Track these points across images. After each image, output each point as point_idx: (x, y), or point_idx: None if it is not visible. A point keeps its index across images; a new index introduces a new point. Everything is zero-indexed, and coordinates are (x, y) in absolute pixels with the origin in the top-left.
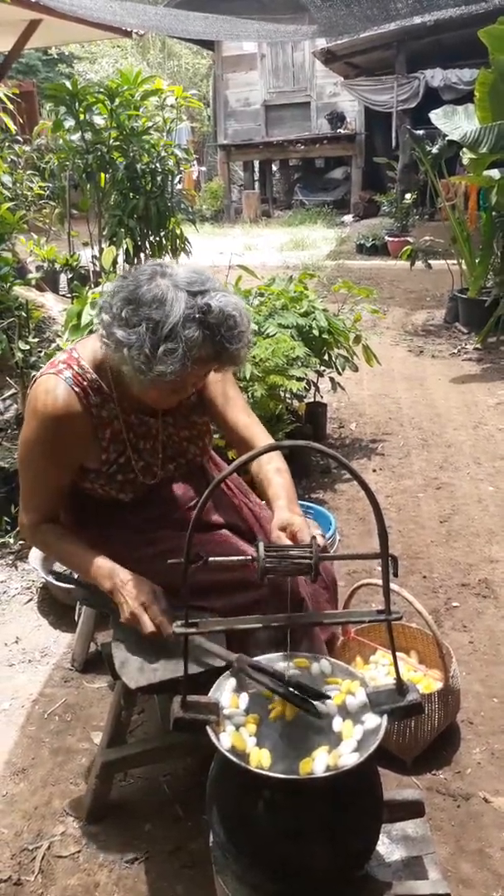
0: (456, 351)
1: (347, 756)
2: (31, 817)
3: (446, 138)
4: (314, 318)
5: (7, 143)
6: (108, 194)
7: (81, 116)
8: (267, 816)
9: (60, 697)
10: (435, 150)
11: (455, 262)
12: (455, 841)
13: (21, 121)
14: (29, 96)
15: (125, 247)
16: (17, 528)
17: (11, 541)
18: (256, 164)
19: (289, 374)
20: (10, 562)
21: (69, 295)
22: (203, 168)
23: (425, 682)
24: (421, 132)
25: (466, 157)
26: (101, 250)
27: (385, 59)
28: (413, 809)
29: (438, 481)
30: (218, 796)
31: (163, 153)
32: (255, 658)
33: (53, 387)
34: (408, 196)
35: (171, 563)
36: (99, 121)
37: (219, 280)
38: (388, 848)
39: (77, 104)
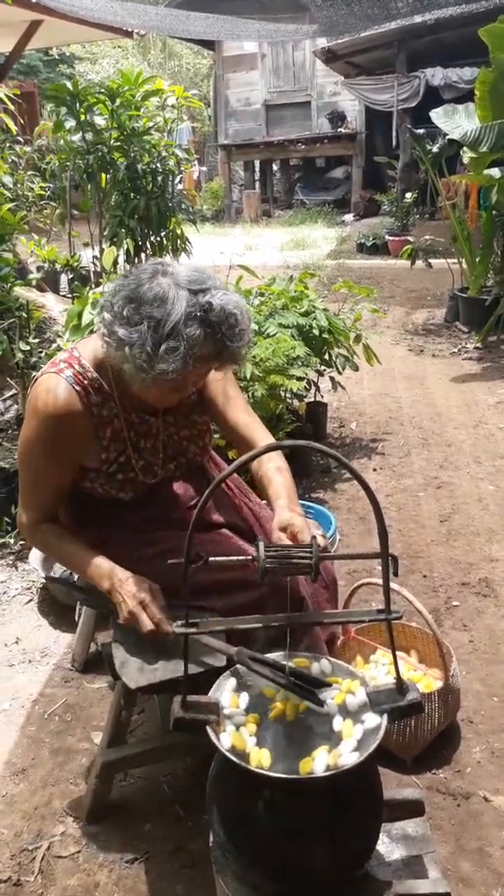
0: (456, 350)
1: (347, 755)
2: (31, 817)
3: (447, 137)
4: (314, 318)
5: (8, 144)
6: (108, 195)
7: (82, 117)
8: (267, 816)
9: (60, 697)
10: (435, 148)
11: (455, 261)
12: (455, 840)
13: (22, 121)
14: (30, 97)
15: (126, 247)
16: (16, 528)
17: (12, 541)
18: (257, 163)
19: (289, 374)
20: (11, 562)
21: (70, 295)
22: (204, 168)
23: (425, 681)
24: (421, 131)
25: (467, 155)
26: (101, 251)
27: (385, 58)
28: (413, 808)
29: (439, 480)
30: (218, 796)
31: (163, 153)
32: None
33: (54, 385)
34: (408, 195)
35: (171, 564)
36: (100, 121)
37: (219, 279)
38: (389, 847)
39: (78, 105)
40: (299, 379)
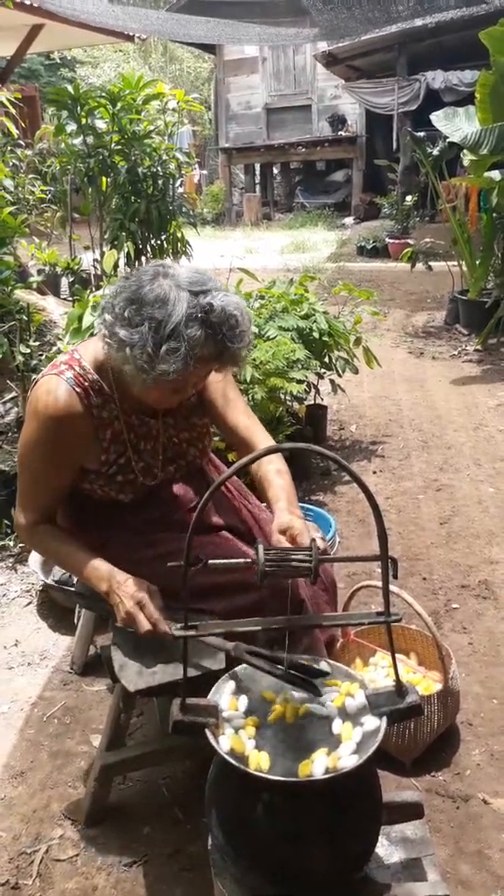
0: (456, 352)
1: (346, 758)
2: (30, 821)
3: (447, 140)
4: (314, 321)
5: (9, 147)
6: (109, 198)
7: (83, 120)
8: (266, 819)
9: (59, 700)
10: (436, 151)
11: (455, 263)
12: (454, 842)
13: (23, 125)
14: (31, 100)
15: (126, 250)
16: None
17: (11, 544)
18: (257, 167)
19: (289, 377)
20: (10, 565)
21: (70, 298)
22: (204, 171)
23: (425, 683)
24: (422, 134)
25: (467, 158)
26: (102, 254)
27: (386, 62)
28: (412, 811)
29: (438, 483)
30: (217, 799)
31: (164, 157)
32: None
33: (55, 387)
34: (408, 198)
35: (170, 566)
36: (101, 125)
37: (220, 281)
38: (388, 850)
39: (79, 108)
40: (299, 382)
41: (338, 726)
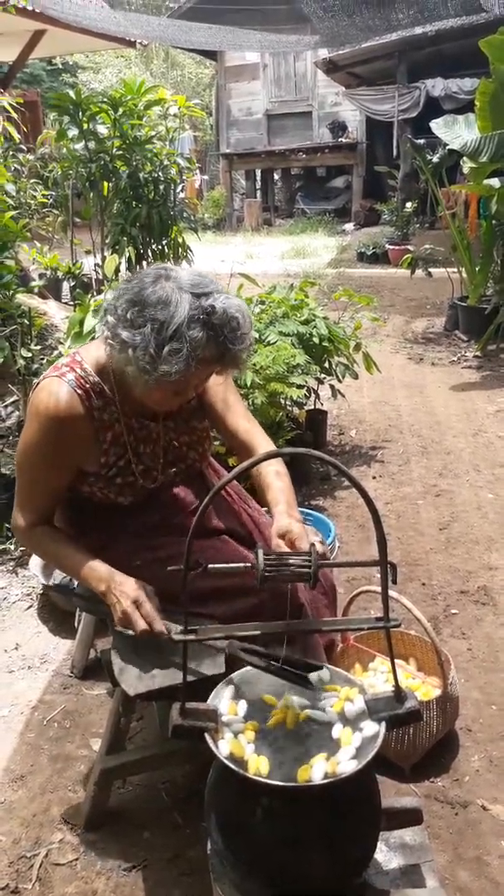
0: (456, 359)
1: (346, 763)
2: (30, 825)
3: (447, 147)
4: (315, 326)
5: (11, 152)
6: (110, 203)
7: (85, 126)
8: (265, 824)
9: (59, 704)
10: (435, 159)
11: (455, 270)
12: (453, 849)
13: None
14: (33, 106)
15: (127, 255)
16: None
17: (12, 547)
18: (258, 172)
19: (289, 382)
20: (11, 568)
21: (72, 303)
22: (205, 177)
23: (424, 689)
24: (422, 141)
25: (467, 165)
26: (103, 258)
27: (386, 69)
28: (411, 817)
29: (438, 488)
30: (216, 804)
31: (165, 162)
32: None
33: (56, 389)
34: (408, 205)
35: (170, 570)
36: (102, 130)
37: (221, 284)
38: (386, 856)
39: (81, 113)
40: (299, 387)
41: (337, 731)
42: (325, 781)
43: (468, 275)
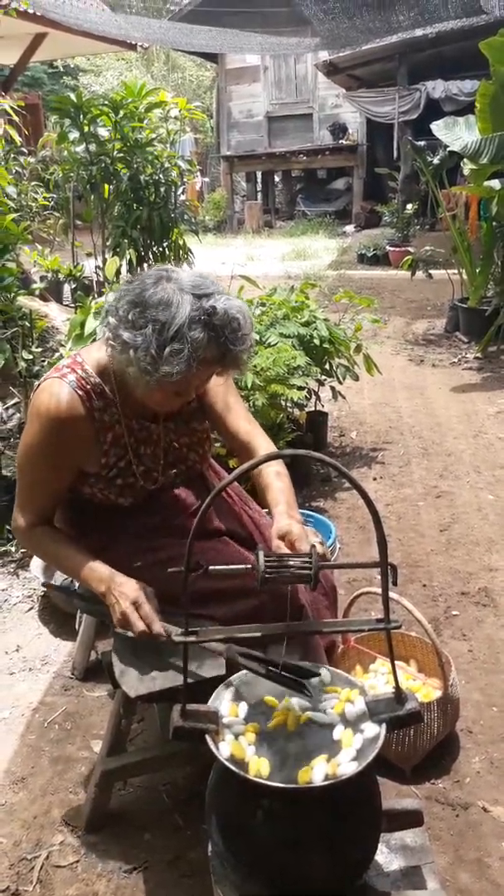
0: (456, 360)
1: (346, 765)
2: (30, 827)
3: (447, 149)
4: (315, 328)
5: (12, 155)
6: (111, 205)
7: (86, 128)
8: (265, 826)
9: (60, 706)
10: (436, 160)
11: (456, 271)
12: (454, 850)
13: (26, 132)
14: (34, 108)
15: (128, 257)
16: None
17: (13, 549)
18: (259, 174)
19: (290, 384)
20: (12, 570)
21: (73, 305)
22: (206, 179)
23: (424, 690)
24: (422, 143)
25: (467, 167)
26: (104, 261)
27: (387, 71)
28: (412, 819)
29: (438, 490)
30: (217, 805)
31: (166, 164)
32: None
33: (57, 390)
34: (409, 206)
35: (171, 572)
36: (103, 132)
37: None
38: (387, 857)
39: (82, 116)
40: (300, 388)
41: (338, 733)
42: (326, 783)
43: (468, 276)
